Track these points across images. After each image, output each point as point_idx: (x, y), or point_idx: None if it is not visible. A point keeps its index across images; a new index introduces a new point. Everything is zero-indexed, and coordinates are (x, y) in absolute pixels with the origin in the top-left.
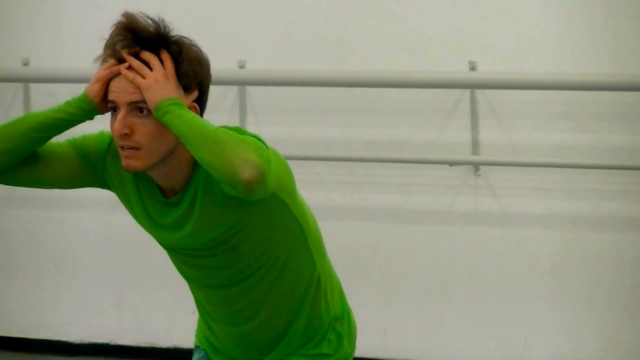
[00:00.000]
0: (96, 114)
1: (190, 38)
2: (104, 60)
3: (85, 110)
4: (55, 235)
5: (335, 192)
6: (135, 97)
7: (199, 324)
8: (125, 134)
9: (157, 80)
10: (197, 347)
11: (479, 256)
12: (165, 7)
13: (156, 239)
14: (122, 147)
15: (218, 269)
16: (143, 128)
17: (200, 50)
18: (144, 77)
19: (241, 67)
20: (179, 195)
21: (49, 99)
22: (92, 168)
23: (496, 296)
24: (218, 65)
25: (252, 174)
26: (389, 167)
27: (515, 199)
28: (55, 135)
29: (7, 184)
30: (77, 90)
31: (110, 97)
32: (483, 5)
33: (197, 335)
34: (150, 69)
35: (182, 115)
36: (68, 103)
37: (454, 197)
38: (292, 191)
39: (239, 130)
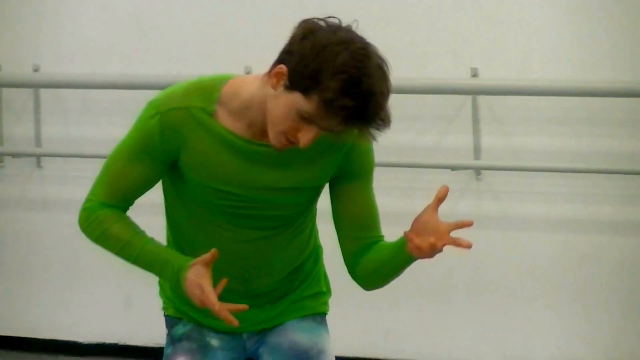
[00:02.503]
0: None
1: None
2: (307, 88)
3: (172, 278)
4: (64, 239)
5: None
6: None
7: (171, 298)
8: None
9: None
10: (176, 318)
11: (480, 259)
12: (176, 16)
13: (234, 180)
14: (284, 143)
15: (269, 218)
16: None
17: None
18: None
19: (247, 72)
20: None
21: (58, 104)
22: (163, 156)
23: (497, 298)
24: (225, 70)
25: None
26: (392, 172)
27: (516, 203)
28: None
29: None
30: (87, 95)
31: (316, 120)
32: (484, 13)
33: (169, 307)
34: None
35: None
36: (165, 270)
37: (456, 201)
38: None
39: None
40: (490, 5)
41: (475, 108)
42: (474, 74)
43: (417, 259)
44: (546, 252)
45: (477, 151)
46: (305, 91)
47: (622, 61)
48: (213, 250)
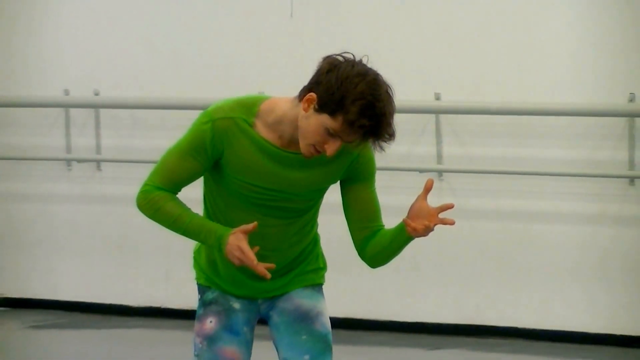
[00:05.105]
0: None
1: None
2: (334, 111)
3: (215, 244)
4: (118, 226)
5: (333, 193)
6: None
7: (204, 270)
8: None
9: None
10: (207, 287)
11: (442, 243)
12: (205, 51)
13: (266, 178)
14: (312, 152)
15: (288, 210)
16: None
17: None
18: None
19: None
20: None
21: (114, 121)
22: (212, 155)
23: (455, 273)
24: (242, 94)
25: None
26: None
27: (471, 199)
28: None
29: None
30: (135, 114)
31: (340, 135)
32: (445, 50)
33: (201, 277)
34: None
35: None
36: (210, 237)
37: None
38: None
39: None
40: (449, 43)
41: (438, 124)
42: (437, 97)
43: (415, 238)
44: (493, 237)
45: (439, 158)
46: (331, 113)
47: (555, 85)
48: (255, 223)
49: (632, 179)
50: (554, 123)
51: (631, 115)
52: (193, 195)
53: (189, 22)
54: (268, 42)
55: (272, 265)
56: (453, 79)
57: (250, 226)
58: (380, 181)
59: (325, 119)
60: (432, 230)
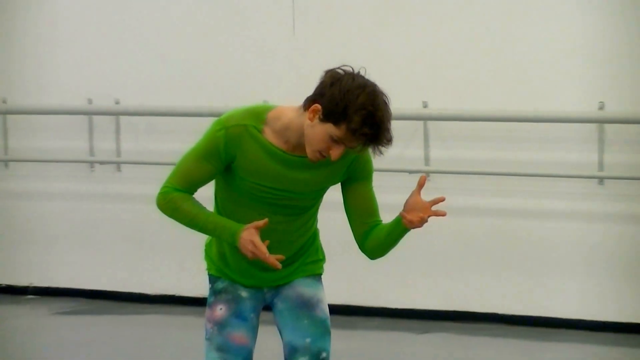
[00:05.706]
0: None
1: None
2: (337, 120)
3: (229, 239)
4: (136, 222)
5: (332, 193)
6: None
7: (214, 262)
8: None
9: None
10: (217, 277)
11: (431, 237)
12: (213, 63)
13: (274, 179)
14: (318, 157)
15: (292, 207)
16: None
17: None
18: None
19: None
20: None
21: (132, 126)
22: (225, 159)
23: (443, 264)
24: (249, 102)
25: None
26: None
27: (456, 197)
28: (199, 227)
29: None
30: (150, 120)
31: (344, 142)
32: (431, 62)
33: (212, 268)
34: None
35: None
36: (224, 232)
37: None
38: None
39: None
40: (436, 56)
41: (425, 130)
42: (425, 106)
43: (410, 229)
44: (478, 232)
45: (427, 160)
46: (335, 122)
47: (532, 94)
48: (265, 219)
49: (601, 179)
50: (531, 128)
51: (601, 121)
52: (204, 194)
53: (200, 39)
54: (272, 56)
55: (282, 257)
56: (439, 89)
57: (261, 223)
58: (374, 181)
59: (329, 128)
60: (426, 221)
